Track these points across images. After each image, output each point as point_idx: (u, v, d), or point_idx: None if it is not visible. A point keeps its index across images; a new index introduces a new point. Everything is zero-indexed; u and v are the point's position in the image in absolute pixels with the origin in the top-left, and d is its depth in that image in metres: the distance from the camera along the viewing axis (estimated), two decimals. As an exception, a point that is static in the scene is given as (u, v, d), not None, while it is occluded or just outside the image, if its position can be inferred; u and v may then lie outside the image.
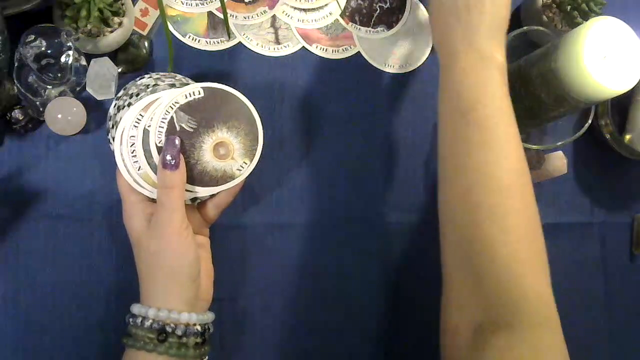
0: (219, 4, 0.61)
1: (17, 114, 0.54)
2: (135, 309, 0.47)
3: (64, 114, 0.54)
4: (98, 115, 0.57)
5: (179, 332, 0.46)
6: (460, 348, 0.48)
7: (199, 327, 0.47)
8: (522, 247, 0.47)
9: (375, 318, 0.63)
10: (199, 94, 0.49)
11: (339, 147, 0.63)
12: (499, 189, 0.48)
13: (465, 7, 0.52)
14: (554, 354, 0.45)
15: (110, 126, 0.52)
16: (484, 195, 0.48)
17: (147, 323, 0.46)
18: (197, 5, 0.61)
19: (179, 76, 0.54)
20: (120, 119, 0.49)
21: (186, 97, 0.49)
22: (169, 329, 0.46)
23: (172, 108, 0.48)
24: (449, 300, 0.51)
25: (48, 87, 0.54)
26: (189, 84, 0.51)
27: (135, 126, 0.48)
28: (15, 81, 0.53)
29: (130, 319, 0.47)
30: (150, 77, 0.52)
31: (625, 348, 0.71)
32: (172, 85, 0.51)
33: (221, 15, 0.61)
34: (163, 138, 0.48)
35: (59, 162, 0.56)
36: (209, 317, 0.50)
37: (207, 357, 0.50)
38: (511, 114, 0.51)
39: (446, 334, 0.50)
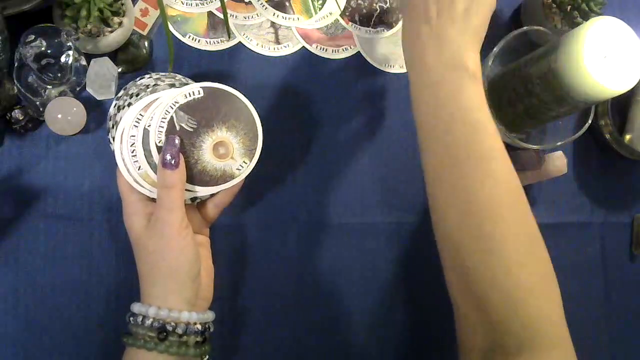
0: (219, 4, 0.61)
1: (17, 114, 0.54)
2: (136, 307, 0.47)
3: (64, 114, 0.54)
4: (98, 115, 0.57)
5: (179, 331, 0.46)
6: None
7: (199, 326, 0.47)
8: (523, 272, 0.46)
9: (375, 318, 0.63)
10: (199, 93, 0.49)
11: (339, 147, 0.63)
12: (493, 216, 0.46)
13: (437, 12, 0.50)
14: None
15: (111, 126, 0.52)
16: (479, 225, 0.47)
17: (148, 322, 0.46)
18: (197, 5, 0.61)
19: (178, 76, 0.54)
20: (121, 118, 0.49)
21: (186, 97, 0.49)
22: (169, 328, 0.46)
23: (172, 108, 0.48)
24: (460, 323, 0.50)
25: (48, 87, 0.54)
26: (188, 83, 0.51)
27: (135, 126, 0.48)
28: (15, 81, 0.53)
29: (131, 318, 0.47)
30: (150, 77, 0.53)
31: (625, 348, 0.71)
32: (172, 85, 0.51)
33: (221, 15, 0.61)
34: (163, 138, 0.48)
35: (59, 162, 0.56)
36: (210, 316, 0.50)
37: (207, 357, 0.50)
38: (489, 123, 0.48)
39: (464, 353, 0.50)
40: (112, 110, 0.52)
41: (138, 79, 0.53)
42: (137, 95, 0.50)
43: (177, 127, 0.49)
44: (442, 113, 0.48)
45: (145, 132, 0.48)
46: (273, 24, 0.63)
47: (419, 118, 0.50)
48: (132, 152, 0.48)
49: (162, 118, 0.48)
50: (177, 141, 0.48)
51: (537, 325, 0.45)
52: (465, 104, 0.48)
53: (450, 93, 0.48)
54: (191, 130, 0.49)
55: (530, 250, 0.47)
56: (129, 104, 0.50)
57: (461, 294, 0.49)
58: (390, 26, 0.66)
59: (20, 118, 0.54)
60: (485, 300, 0.46)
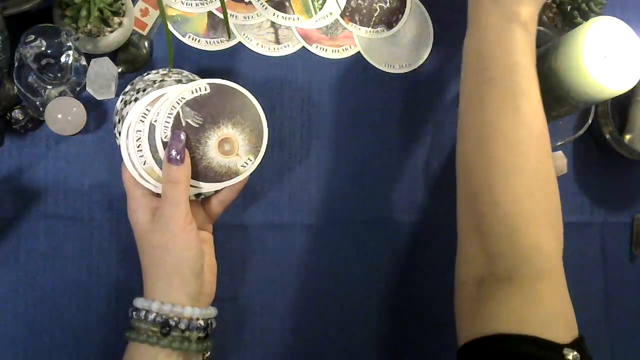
0: (219, 4, 0.61)
1: (17, 114, 0.54)
2: (139, 302, 0.47)
3: (64, 114, 0.54)
4: (98, 115, 0.57)
5: (182, 326, 0.46)
6: (466, 301, 0.48)
7: (202, 322, 0.48)
8: (528, 204, 0.47)
9: (376, 318, 0.63)
10: (205, 90, 0.49)
11: (339, 147, 0.63)
12: (509, 146, 0.48)
13: None
14: (551, 306, 0.45)
15: (117, 121, 0.52)
16: (494, 151, 0.48)
17: (151, 316, 0.46)
18: (197, 5, 0.61)
19: (185, 72, 0.54)
20: (127, 113, 0.49)
21: (192, 93, 0.49)
22: (172, 323, 0.46)
23: (178, 103, 0.48)
24: (460, 257, 0.51)
25: (48, 87, 0.54)
26: (195, 80, 0.51)
27: (142, 121, 0.48)
28: (15, 81, 0.53)
29: (134, 313, 0.47)
30: (157, 72, 0.53)
31: (625, 348, 0.71)
32: (179, 81, 0.51)
33: (221, 15, 0.61)
34: (169, 133, 0.48)
35: (59, 162, 0.56)
36: (212, 312, 0.50)
37: (209, 352, 0.50)
38: (529, 67, 0.50)
39: (456, 288, 0.51)
40: (118, 104, 0.52)
41: (145, 74, 0.53)
42: (143, 91, 0.50)
43: (183, 123, 0.49)
44: (486, 52, 0.51)
45: (152, 127, 0.48)
46: (273, 24, 0.63)
47: (465, 58, 0.53)
48: (138, 147, 0.49)
49: (169, 113, 0.48)
50: (182, 137, 0.48)
51: (530, 254, 0.46)
52: (510, 46, 0.50)
53: (497, 37, 0.50)
54: (197, 126, 0.49)
55: (540, 185, 0.48)
56: (136, 99, 0.50)
57: (467, 221, 0.50)
58: (390, 26, 0.66)
59: (20, 118, 0.54)
60: (485, 221, 0.48)
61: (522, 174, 0.48)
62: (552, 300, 0.46)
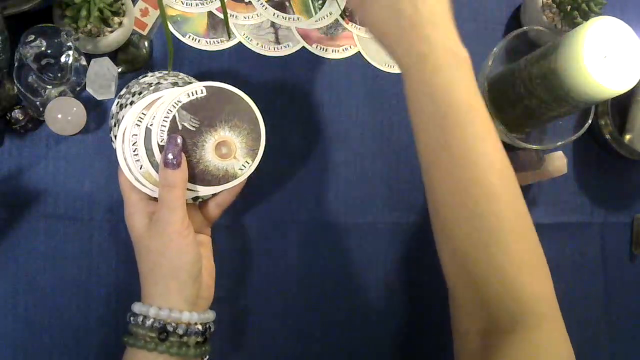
0: (219, 4, 0.61)
1: (17, 114, 0.54)
2: (137, 307, 0.47)
3: (64, 114, 0.54)
4: (98, 115, 0.57)
5: (180, 332, 0.46)
6: (471, 353, 0.48)
7: (200, 327, 0.47)
8: (516, 249, 0.47)
9: (376, 318, 0.63)
10: (202, 92, 0.49)
11: (339, 147, 0.63)
12: (487, 195, 0.47)
13: (412, 7, 0.49)
14: (554, 351, 0.46)
15: (113, 124, 0.52)
16: (474, 203, 0.48)
17: (148, 322, 0.46)
18: (197, 5, 0.61)
19: (181, 75, 0.54)
20: (123, 117, 0.49)
21: (189, 96, 0.49)
22: (170, 328, 0.46)
23: (174, 107, 0.48)
24: (455, 304, 0.51)
25: (48, 87, 0.54)
26: (191, 82, 0.51)
27: (138, 124, 0.48)
28: (15, 81, 0.53)
29: (131, 318, 0.47)
30: (153, 75, 0.52)
31: (625, 348, 0.71)
32: (175, 84, 0.51)
33: (221, 15, 0.61)
34: (165, 137, 0.48)
35: (59, 162, 0.56)
36: (210, 316, 0.50)
37: (207, 356, 0.50)
38: (484, 108, 0.49)
39: (458, 339, 0.51)
40: (114, 108, 0.52)
41: (141, 77, 0.53)
42: (139, 94, 0.50)
43: (180, 126, 0.48)
44: (441, 97, 0.48)
45: (148, 131, 0.48)
46: (273, 24, 0.63)
47: (415, 107, 0.50)
48: (134, 151, 0.48)
49: (165, 117, 0.48)
50: (179, 140, 0.48)
51: (530, 301, 0.46)
52: (462, 91, 0.48)
53: (446, 81, 0.48)
54: (193, 129, 0.49)
55: (522, 228, 0.48)
56: (132, 102, 0.50)
57: (456, 274, 0.50)
58: (390, 26, 0.66)
59: (20, 118, 0.54)
60: (480, 277, 0.47)
61: (505, 221, 0.47)
62: (556, 346, 0.46)
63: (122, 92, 0.52)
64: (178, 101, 0.48)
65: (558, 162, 0.64)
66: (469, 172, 0.48)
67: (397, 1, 0.49)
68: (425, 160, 0.51)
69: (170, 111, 0.48)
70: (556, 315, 0.47)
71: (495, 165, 0.48)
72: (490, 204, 0.47)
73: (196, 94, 0.49)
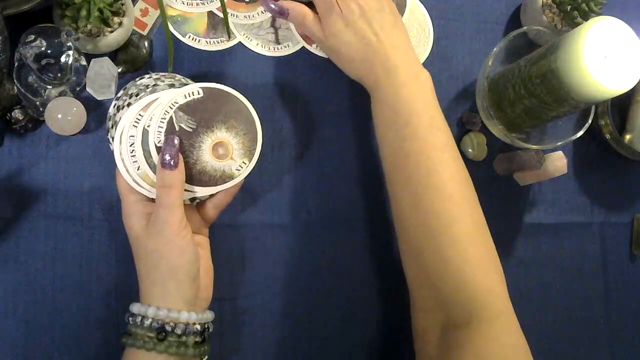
0: (219, 4, 0.61)
1: (17, 114, 0.54)
2: (135, 308, 0.47)
3: (64, 114, 0.54)
4: (98, 115, 0.57)
5: (178, 331, 0.46)
6: (430, 348, 0.52)
7: (198, 326, 0.48)
8: (471, 249, 0.50)
9: (375, 318, 0.63)
10: (198, 94, 0.49)
11: (339, 147, 0.63)
12: (444, 198, 0.51)
13: (373, 34, 0.55)
14: (509, 342, 0.49)
15: (110, 126, 0.52)
16: (430, 205, 0.51)
17: (147, 322, 0.46)
18: (197, 5, 0.61)
19: (178, 76, 0.54)
20: (120, 119, 0.49)
21: (185, 97, 0.49)
22: (168, 328, 0.46)
23: (171, 108, 0.48)
24: (415, 305, 0.54)
25: (48, 87, 0.54)
26: (188, 84, 0.51)
27: (135, 126, 0.48)
28: (15, 81, 0.53)
29: (130, 318, 0.47)
30: (149, 77, 0.53)
31: (625, 348, 0.71)
32: (172, 86, 0.51)
33: (221, 15, 0.61)
34: (162, 138, 0.48)
35: (59, 162, 0.56)
36: (209, 316, 0.50)
37: (206, 357, 0.50)
38: (444, 123, 0.54)
39: (417, 337, 0.54)
40: (111, 110, 0.52)
41: (137, 79, 0.53)
42: (136, 96, 0.50)
43: (177, 128, 0.49)
44: (403, 110, 0.53)
45: (145, 133, 0.48)
46: (273, 24, 0.63)
47: (380, 117, 0.56)
48: (132, 153, 0.48)
49: (162, 118, 0.48)
50: (176, 141, 0.48)
51: (484, 297, 0.50)
52: (423, 106, 0.54)
53: (409, 96, 0.53)
54: (190, 130, 0.49)
55: (477, 229, 0.52)
56: (129, 104, 0.50)
57: (416, 275, 0.54)
58: (390, 26, 0.66)
59: (20, 118, 0.54)
60: (437, 276, 0.51)
61: (461, 223, 0.51)
62: (510, 338, 0.49)
63: (119, 94, 0.52)
64: (175, 102, 0.48)
65: (558, 162, 0.64)
66: (427, 178, 0.52)
67: (361, 30, 0.56)
68: (388, 168, 0.55)
69: (167, 112, 0.48)
70: (510, 311, 0.51)
71: (452, 173, 0.52)
72: (446, 206, 0.51)
73: (193, 95, 0.49)
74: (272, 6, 0.58)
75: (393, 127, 0.54)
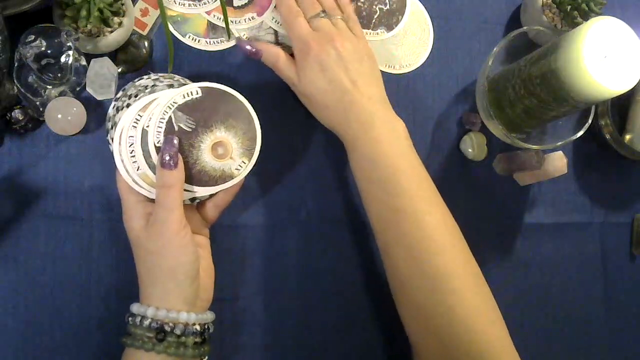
0: (212, 7, 0.60)
1: (17, 114, 0.54)
2: (135, 308, 0.47)
3: (64, 114, 0.54)
4: (98, 115, 0.57)
5: (177, 332, 0.46)
6: None
7: (198, 327, 0.48)
8: (475, 302, 0.51)
9: (376, 318, 0.63)
10: (197, 93, 0.49)
11: (339, 147, 0.63)
12: (440, 251, 0.51)
13: (350, 82, 0.53)
14: None
15: (109, 127, 0.52)
16: (427, 258, 0.51)
17: (146, 322, 0.46)
18: (189, 6, 0.60)
19: (177, 77, 0.54)
20: (119, 119, 0.49)
21: (184, 97, 0.49)
22: (167, 328, 0.46)
23: (170, 108, 0.48)
24: (420, 356, 0.54)
25: (48, 87, 0.54)
26: (187, 84, 0.51)
27: (134, 126, 0.48)
28: (15, 81, 0.53)
29: (130, 318, 0.47)
30: (148, 77, 0.53)
31: (625, 348, 0.71)
32: (171, 86, 0.51)
33: (211, 18, 0.61)
34: (161, 138, 0.48)
35: (59, 162, 0.56)
36: (209, 316, 0.50)
37: (206, 357, 0.50)
38: (426, 173, 0.53)
39: None
40: (110, 111, 0.52)
41: (136, 79, 0.53)
42: (135, 96, 0.50)
43: (176, 128, 0.49)
44: (383, 162, 0.52)
45: (144, 133, 0.48)
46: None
47: (363, 176, 0.54)
48: (131, 153, 0.48)
49: (161, 118, 0.48)
50: (175, 141, 0.48)
51: (491, 348, 0.50)
52: (402, 159, 0.53)
53: (387, 150, 0.52)
54: (190, 130, 0.49)
55: (476, 282, 0.52)
56: (128, 105, 0.50)
57: (418, 329, 0.53)
58: (390, 28, 0.66)
59: (20, 118, 0.54)
60: (443, 332, 0.50)
61: (461, 275, 0.51)
62: None
63: (118, 95, 0.52)
64: (174, 102, 0.48)
65: (558, 162, 0.64)
66: (420, 231, 0.51)
67: (337, 77, 0.53)
68: (377, 225, 0.54)
69: (166, 112, 0.48)
70: (513, 352, 0.51)
71: (440, 223, 0.52)
72: (444, 259, 0.51)
73: (191, 95, 0.49)
74: (247, 47, 0.57)
75: (376, 182, 0.53)
